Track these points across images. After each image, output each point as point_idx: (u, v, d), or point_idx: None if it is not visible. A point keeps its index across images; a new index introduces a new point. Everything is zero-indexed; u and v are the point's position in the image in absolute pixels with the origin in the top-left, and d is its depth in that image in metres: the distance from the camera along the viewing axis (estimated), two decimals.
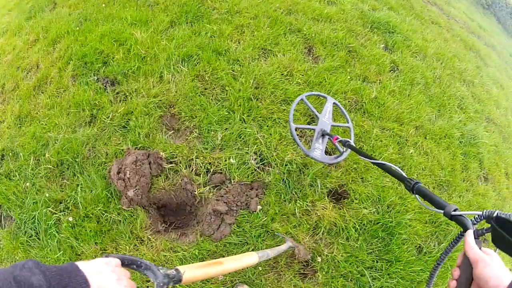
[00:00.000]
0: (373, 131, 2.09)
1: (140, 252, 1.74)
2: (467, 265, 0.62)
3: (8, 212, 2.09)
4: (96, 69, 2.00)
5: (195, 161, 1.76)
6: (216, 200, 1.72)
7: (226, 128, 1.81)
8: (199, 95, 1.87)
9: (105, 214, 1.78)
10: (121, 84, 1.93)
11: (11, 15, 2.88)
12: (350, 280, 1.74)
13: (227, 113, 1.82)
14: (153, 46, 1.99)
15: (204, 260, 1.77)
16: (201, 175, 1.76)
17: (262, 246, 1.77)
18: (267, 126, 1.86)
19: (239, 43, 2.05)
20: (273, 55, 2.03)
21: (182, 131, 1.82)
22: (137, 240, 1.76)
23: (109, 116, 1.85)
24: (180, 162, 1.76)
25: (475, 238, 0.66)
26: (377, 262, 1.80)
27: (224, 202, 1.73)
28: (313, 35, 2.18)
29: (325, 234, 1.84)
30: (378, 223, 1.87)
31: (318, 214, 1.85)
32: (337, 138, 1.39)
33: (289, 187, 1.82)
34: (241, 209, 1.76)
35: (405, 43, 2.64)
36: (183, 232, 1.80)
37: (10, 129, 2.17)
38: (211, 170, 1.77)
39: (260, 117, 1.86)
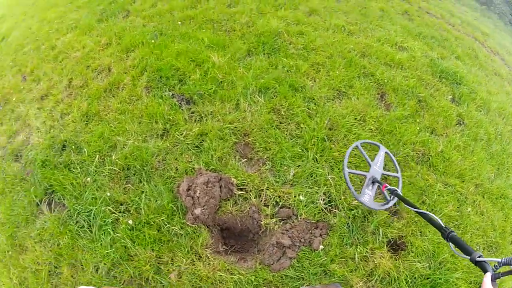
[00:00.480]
0: (436, 185, 2.23)
1: (196, 268, 1.88)
2: None
3: (62, 200, 2.25)
4: (172, 85, 2.15)
5: (265, 192, 1.91)
6: (281, 233, 1.87)
7: (299, 165, 1.95)
8: (274, 128, 2.00)
9: (168, 225, 1.91)
10: (196, 104, 2.08)
11: (80, 13, 3.08)
12: None
13: (300, 150, 1.97)
14: (230, 72, 2.15)
15: (258, 287, 1.92)
16: (270, 206, 1.88)
17: (315, 283, 1.92)
18: (338, 169, 2.00)
19: (314, 81, 2.20)
20: (347, 97, 2.18)
21: (255, 160, 1.97)
22: (195, 256, 1.89)
23: (182, 133, 2.01)
24: (250, 191, 1.90)
25: (492, 280, 0.86)
26: None
27: (289, 237, 1.88)
28: (385, 81, 2.33)
29: (378, 282, 1.98)
30: (428, 278, 2.00)
31: (375, 262, 1.99)
32: (386, 186, 1.53)
33: (352, 232, 1.96)
34: (303, 245, 1.91)
35: (471, 95, 2.80)
36: (242, 257, 1.94)
37: (76, 123, 2.34)
38: (280, 204, 1.90)
39: (332, 159, 2.01)
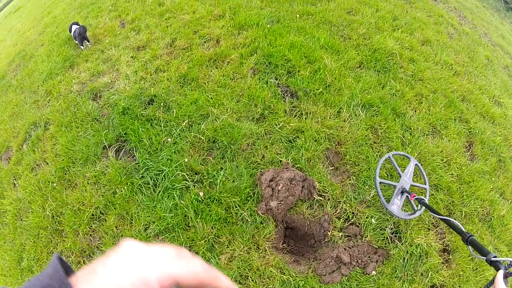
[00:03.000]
0: (488, 247, 2.28)
1: (250, 257, 1.94)
2: None
3: (133, 151, 2.32)
4: (279, 74, 2.24)
5: (342, 205, 1.96)
6: (344, 249, 1.92)
7: (381, 189, 2.02)
8: (368, 146, 2.09)
9: (237, 208, 2.00)
10: (300, 100, 2.17)
11: None
12: None
13: (386, 175, 2.03)
14: (340, 79, 2.23)
15: None
16: (341, 220, 1.96)
17: None
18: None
19: (415, 111, 2.27)
20: (440, 137, 2.24)
21: (341, 171, 2.03)
22: (253, 245, 1.96)
23: (279, 124, 2.08)
24: (328, 199, 1.97)
25: (504, 278, 0.94)
26: None
27: (349, 254, 1.93)
28: (476, 131, 2.39)
29: None
30: None
31: None
32: (414, 196, 1.62)
33: (405, 267, 2.01)
34: (358, 266, 1.95)
35: None
36: (297, 260, 2.00)
37: (170, 82, 2.42)
38: (351, 220, 1.97)
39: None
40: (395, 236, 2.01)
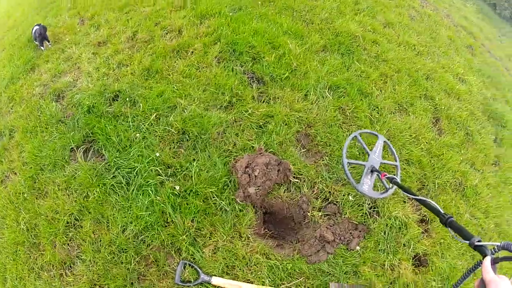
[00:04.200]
0: (465, 215, 2.35)
1: (234, 246, 1.89)
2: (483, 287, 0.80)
3: (102, 150, 2.18)
4: (244, 61, 2.18)
5: (318, 185, 1.95)
6: (327, 227, 1.91)
7: (354, 167, 2.03)
8: (338, 127, 2.05)
9: (216, 198, 1.92)
10: (267, 85, 2.10)
11: None
12: None
13: (358, 153, 2.05)
14: (305, 63, 2.20)
15: (291, 276, 1.96)
16: (319, 200, 1.91)
17: (343, 281, 1.98)
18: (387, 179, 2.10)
19: (381, 91, 2.28)
20: (407, 114, 2.28)
21: (313, 153, 2.02)
22: (235, 234, 1.89)
23: (248, 111, 2.03)
24: (304, 181, 1.93)
25: (491, 264, 0.84)
26: None
27: (332, 232, 1.93)
28: (442, 107, 2.45)
29: None
30: None
31: (400, 272, 2.07)
32: (385, 175, 1.57)
33: (387, 240, 2.04)
34: (342, 243, 1.96)
35: (510, 141, 2.98)
36: (279, 243, 1.95)
37: (134, 76, 2.31)
38: (329, 199, 1.95)
39: (383, 169, 2.10)
40: (374, 211, 2.02)
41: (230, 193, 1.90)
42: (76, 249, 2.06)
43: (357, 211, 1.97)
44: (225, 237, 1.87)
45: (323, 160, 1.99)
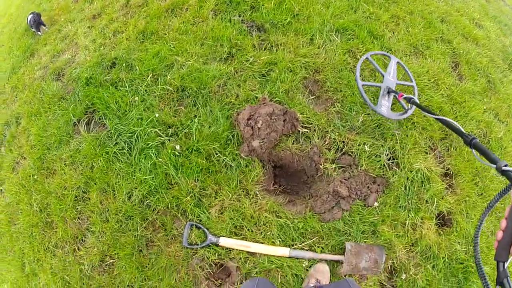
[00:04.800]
0: (491, 170, 1.97)
1: (241, 205, 1.61)
2: None
3: (103, 120, 1.97)
4: (242, 10, 1.89)
5: (330, 134, 1.63)
6: (340, 181, 1.60)
7: (368, 114, 1.69)
8: (348, 71, 1.76)
9: (219, 154, 1.65)
10: (268, 33, 1.82)
11: None
12: None
13: (372, 99, 1.70)
14: (307, 7, 1.89)
15: (303, 236, 1.64)
16: (332, 151, 1.63)
17: (361, 241, 1.65)
18: (406, 127, 1.74)
19: (393, 33, 1.95)
20: (424, 57, 1.93)
21: (323, 100, 1.70)
22: (242, 192, 1.63)
23: (249, 60, 1.74)
24: (314, 130, 1.63)
25: None
26: None
27: (347, 187, 1.60)
28: (461, 51, 2.09)
29: (418, 254, 1.72)
30: (462, 263, 1.75)
31: (422, 232, 1.73)
32: (402, 95, 1.40)
33: (408, 196, 1.70)
34: (358, 199, 1.63)
35: None
36: (291, 199, 1.68)
37: (130, 41, 2.06)
38: (343, 150, 1.64)
39: None
40: (393, 163, 1.69)
41: (234, 148, 1.62)
42: (86, 222, 1.88)
43: (375, 163, 1.64)
44: (231, 195, 1.59)
45: (334, 107, 1.67)
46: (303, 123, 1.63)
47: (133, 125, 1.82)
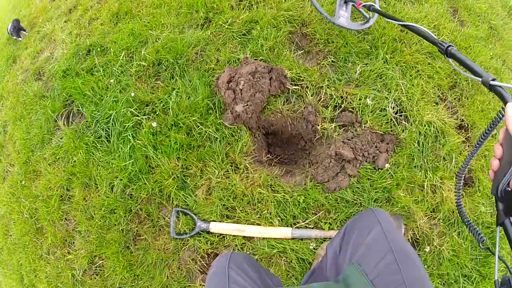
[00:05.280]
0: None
1: (230, 182, 1.23)
2: (511, 144, 0.46)
3: (80, 109, 1.66)
4: None
5: (325, 90, 1.28)
6: (343, 142, 1.24)
7: (366, 64, 1.33)
8: None
9: (200, 127, 1.28)
10: None
11: None
12: (444, 283, 1.27)
13: (368, 47, 1.36)
14: None
15: (306, 212, 1.28)
16: (329, 108, 1.25)
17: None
18: (410, 76, 1.37)
19: None
20: (419, 3, 1.61)
21: (313, 54, 1.37)
22: (230, 166, 1.25)
23: (227, 21, 1.41)
24: (307, 87, 1.27)
25: None
26: (471, 271, 1.32)
27: (351, 148, 1.25)
28: None
29: (441, 221, 1.33)
30: (489, 227, 1.38)
31: (443, 195, 1.36)
32: (361, 3, 1.18)
33: (423, 153, 1.34)
34: (366, 161, 1.28)
35: None
36: (289, 170, 1.28)
37: (104, 25, 1.77)
38: (342, 106, 1.26)
39: (403, 63, 1.38)
40: (400, 116, 1.33)
41: (216, 117, 1.28)
42: (73, 222, 1.55)
43: (380, 118, 1.28)
44: (218, 172, 1.24)
45: (326, 60, 1.33)
46: (293, 81, 1.30)
47: (108, 109, 1.52)
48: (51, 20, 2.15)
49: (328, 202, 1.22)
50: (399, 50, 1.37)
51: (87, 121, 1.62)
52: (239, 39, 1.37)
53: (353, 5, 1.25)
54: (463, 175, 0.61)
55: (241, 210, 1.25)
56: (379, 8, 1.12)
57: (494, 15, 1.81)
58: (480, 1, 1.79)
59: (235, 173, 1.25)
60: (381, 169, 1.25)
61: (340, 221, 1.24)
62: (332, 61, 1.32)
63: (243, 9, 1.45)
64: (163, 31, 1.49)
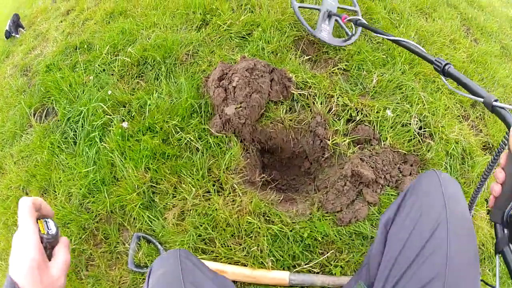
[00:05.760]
0: None
1: (211, 205, 0.83)
2: None
3: (55, 105, 1.33)
4: None
5: (336, 100, 0.99)
6: (361, 159, 0.88)
7: (383, 73, 1.07)
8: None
9: (180, 132, 0.92)
10: None
11: None
12: None
13: (384, 57, 1.08)
14: None
15: (311, 251, 0.90)
16: (341, 120, 0.92)
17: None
18: (431, 90, 1.10)
19: None
20: (432, 19, 1.39)
21: (321, 62, 1.05)
22: (213, 185, 0.86)
23: (226, 23, 1.17)
24: (315, 95, 0.98)
25: None
26: None
27: (371, 167, 0.93)
28: (469, 16, 1.51)
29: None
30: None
31: (477, 225, 1.01)
32: (346, 17, 1.03)
33: (451, 176, 1.02)
34: (388, 185, 0.94)
35: None
36: (289, 197, 0.90)
37: (97, 24, 1.52)
38: (356, 119, 0.94)
39: (422, 76, 1.12)
40: (424, 131, 1.04)
41: (201, 123, 0.95)
42: None
43: (402, 134, 0.96)
44: (195, 191, 0.87)
45: (337, 67, 1.05)
46: (297, 86, 1.01)
47: (80, 106, 1.21)
48: (48, 20, 1.92)
49: (340, 239, 0.85)
50: (417, 63, 1.10)
51: (58, 120, 1.29)
52: (237, 41, 1.09)
53: (336, 20, 1.10)
54: (472, 210, 0.55)
55: (222, 244, 0.86)
56: (366, 22, 0.92)
57: (504, 35, 1.61)
58: (491, 21, 1.59)
59: (218, 194, 0.89)
60: None
61: (355, 264, 0.86)
62: (344, 69, 1.04)
63: (245, 10, 1.20)
64: (155, 30, 1.24)
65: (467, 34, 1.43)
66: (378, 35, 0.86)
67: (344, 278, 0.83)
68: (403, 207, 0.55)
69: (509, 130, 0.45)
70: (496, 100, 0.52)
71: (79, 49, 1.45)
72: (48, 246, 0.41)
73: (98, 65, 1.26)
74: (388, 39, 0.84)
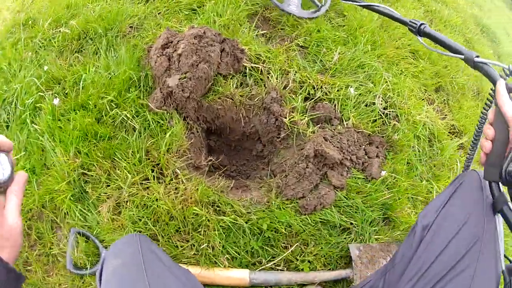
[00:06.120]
0: None
1: (150, 195, 0.63)
2: (502, 123, 0.37)
3: None
4: None
5: (293, 76, 0.81)
6: (324, 138, 0.71)
7: (344, 52, 0.92)
8: (309, 1, 1.07)
9: (115, 109, 0.73)
10: None
11: None
12: None
13: (345, 36, 0.96)
14: None
15: (272, 245, 0.71)
16: (299, 97, 0.77)
17: (371, 240, 0.76)
18: (395, 72, 0.99)
19: None
20: (396, 8, 1.30)
21: (277, 38, 0.90)
22: (151, 170, 0.67)
23: None
24: (270, 70, 0.80)
25: (509, 91, 0.38)
26: None
27: (336, 147, 0.78)
28: (433, 8, 1.43)
29: None
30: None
31: None
32: None
33: (421, 159, 0.90)
34: (355, 167, 0.79)
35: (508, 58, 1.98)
36: (241, 184, 0.73)
37: (44, 1, 1.35)
38: (316, 96, 0.79)
39: (385, 57, 1.01)
40: (390, 112, 0.91)
41: (140, 97, 0.77)
42: None
43: (366, 114, 0.82)
44: (131, 178, 0.69)
45: (294, 43, 0.91)
46: (250, 59, 0.86)
47: (15, 84, 1.00)
48: (1, 1, 1.70)
49: (306, 229, 0.68)
50: (379, 45, 1.00)
51: None
52: (186, 13, 0.93)
53: None
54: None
55: (166, 241, 0.67)
56: None
57: (467, 30, 1.58)
58: (454, 16, 1.56)
59: (159, 182, 0.70)
60: (376, 178, 0.76)
61: (325, 257, 0.70)
62: (302, 46, 0.90)
63: None
64: (101, 3, 1.06)
65: (430, 25, 1.37)
66: (348, 2, 0.78)
67: (314, 274, 0.67)
68: (443, 214, 0.48)
69: (494, 85, 0.41)
70: (477, 56, 0.48)
71: (23, 25, 1.23)
72: (1, 189, 0.34)
73: (39, 41, 1.05)
74: (359, 5, 0.78)
